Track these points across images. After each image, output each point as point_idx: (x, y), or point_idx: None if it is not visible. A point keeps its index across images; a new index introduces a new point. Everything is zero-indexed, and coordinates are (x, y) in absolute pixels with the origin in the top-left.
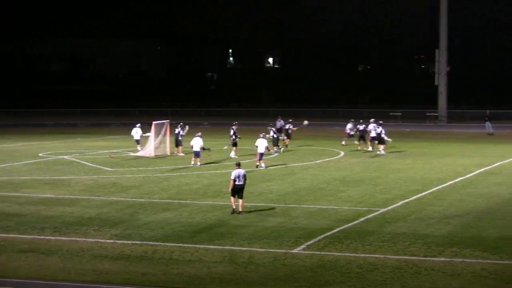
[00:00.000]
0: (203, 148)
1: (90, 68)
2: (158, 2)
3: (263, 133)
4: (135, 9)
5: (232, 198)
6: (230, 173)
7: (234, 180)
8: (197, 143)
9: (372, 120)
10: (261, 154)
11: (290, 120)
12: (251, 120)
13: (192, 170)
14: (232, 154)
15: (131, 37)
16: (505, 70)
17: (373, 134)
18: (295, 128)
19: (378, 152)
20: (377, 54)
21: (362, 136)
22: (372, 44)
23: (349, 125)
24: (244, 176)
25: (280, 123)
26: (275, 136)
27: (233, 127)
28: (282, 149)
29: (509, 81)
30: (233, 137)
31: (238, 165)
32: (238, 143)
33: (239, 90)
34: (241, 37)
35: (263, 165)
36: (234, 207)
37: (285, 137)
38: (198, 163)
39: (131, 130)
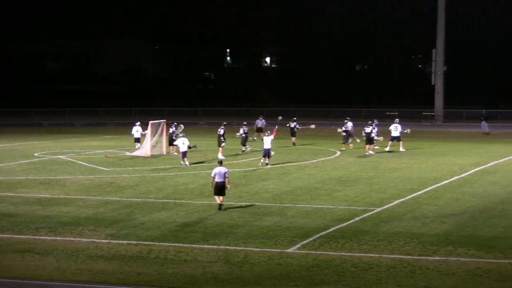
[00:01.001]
0: (189, 147)
1: (86, 67)
2: (155, 2)
3: (268, 132)
4: (132, 8)
5: (216, 197)
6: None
7: (214, 177)
8: (184, 143)
9: (396, 120)
10: (267, 151)
11: (295, 118)
12: (248, 120)
13: (188, 170)
14: (220, 155)
15: (128, 36)
16: (501, 70)
17: (394, 134)
18: (299, 127)
19: (367, 153)
20: (374, 54)
21: (348, 136)
22: (369, 44)
23: (399, 127)
24: (225, 174)
25: (261, 122)
26: (244, 135)
27: (222, 127)
28: (249, 148)
29: (505, 81)
30: (222, 138)
31: (220, 163)
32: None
33: (237, 90)
34: (239, 36)
35: (266, 162)
36: (219, 202)
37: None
38: (187, 163)
39: (131, 129)
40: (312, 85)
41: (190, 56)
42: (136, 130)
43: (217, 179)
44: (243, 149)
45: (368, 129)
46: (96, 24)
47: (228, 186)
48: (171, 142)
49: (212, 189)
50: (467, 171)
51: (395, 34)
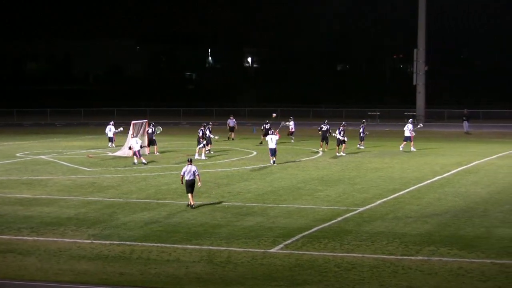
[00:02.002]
0: (141, 146)
1: (67, 68)
2: (137, 2)
3: (272, 130)
4: (113, 9)
5: (189, 195)
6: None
7: (183, 176)
8: (137, 142)
9: (410, 120)
10: (273, 150)
11: (291, 117)
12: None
13: (171, 170)
14: (202, 156)
15: (109, 36)
16: (482, 70)
17: (407, 133)
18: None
19: (337, 154)
20: (356, 54)
21: (325, 137)
22: (350, 44)
23: (410, 126)
24: (194, 172)
25: (232, 122)
26: (207, 136)
27: (208, 127)
28: (208, 148)
29: (486, 80)
30: (201, 139)
31: (190, 161)
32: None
33: (218, 90)
34: (220, 36)
35: (271, 161)
36: (191, 203)
37: (262, 136)
38: (144, 161)
39: (105, 128)
40: (293, 85)
41: (171, 56)
42: (110, 130)
43: (187, 177)
44: (208, 148)
45: (325, 127)
46: (77, 24)
47: (199, 183)
48: (150, 142)
49: (182, 187)
50: (449, 171)
51: (377, 34)
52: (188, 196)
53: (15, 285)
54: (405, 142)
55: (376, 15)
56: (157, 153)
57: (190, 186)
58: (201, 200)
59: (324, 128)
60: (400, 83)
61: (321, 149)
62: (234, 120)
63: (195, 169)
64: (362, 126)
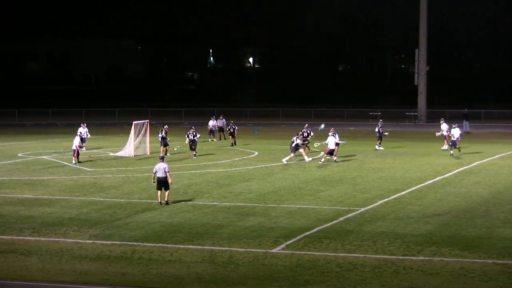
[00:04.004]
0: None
1: (67, 68)
2: (138, 2)
3: (333, 130)
4: (113, 8)
5: (159, 192)
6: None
7: (155, 173)
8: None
9: (443, 119)
10: (332, 151)
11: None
12: (230, 120)
13: (172, 170)
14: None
15: (110, 36)
16: (481, 73)
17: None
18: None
19: (322, 160)
20: (356, 54)
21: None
22: (351, 44)
23: (445, 126)
24: (164, 169)
25: (222, 122)
26: (193, 139)
27: (191, 130)
28: (194, 154)
29: (487, 80)
30: (190, 137)
31: (162, 159)
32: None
33: (219, 90)
34: (222, 37)
35: (322, 160)
36: (160, 200)
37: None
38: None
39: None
40: (294, 86)
41: (172, 56)
42: (80, 132)
43: (158, 175)
44: (194, 153)
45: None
46: (78, 24)
47: (169, 180)
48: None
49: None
50: (451, 171)
51: (379, 34)
52: (158, 193)
53: (17, 285)
54: (445, 141)
55: (376, 15)
56: (168, 154)
57: (161, 183)
58: (203, 200)
59: (305, 134)
60: (401, 83)
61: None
62: (224, 120)
63: (166, 166)
64: (379, 126)
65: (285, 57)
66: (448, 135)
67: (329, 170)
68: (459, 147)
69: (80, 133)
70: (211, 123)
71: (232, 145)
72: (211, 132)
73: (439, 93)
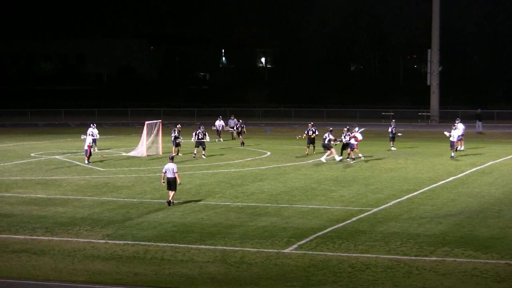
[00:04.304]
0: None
1: (80, 68)
2: (150, 2)
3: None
4: (126, 9)
5: (169, 192)
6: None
7: (164, 173)
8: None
9: (458, 120)
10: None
11: (331, 128)
12: (242, 120)
13: (184, 170)
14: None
15: (123, 37)
16: (497, 70)
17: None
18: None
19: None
20: (369, 54)
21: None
22: (364, 44)
23: (461, 126)
24: (173, 169)
25: (233, 121)
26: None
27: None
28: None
29: (500, 80)
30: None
31: (171, 159)
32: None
33: (231, 90)
34: (234, 37)
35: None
36: (170, 199)
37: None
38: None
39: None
40: (306, 86)
41: (185, 57)
42: (91, 132)
43: (168, 175)
44: (195, 152)
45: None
46: (90, 24)
47: (178, 181)
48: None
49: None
50: (463, 171)
51: (391, 34)
52: (168, 193)
53: (30, 285)
54: (459, 142)
55: (389, 15)
56: (180, 154)
57: (171, 183)
58: (216, 200)
59: (311, 132)
60: (413, 83)
61: (307, 152)
62: (235, 120)
63: (174, 166)
64: (391, 126)
65: (297, 57)
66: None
67: (341, 170)
68: (456, 148)
69: (92, 133)
70: (217, 123)
71: (242, 144)
72: (218, 132)
73: (452, 93)
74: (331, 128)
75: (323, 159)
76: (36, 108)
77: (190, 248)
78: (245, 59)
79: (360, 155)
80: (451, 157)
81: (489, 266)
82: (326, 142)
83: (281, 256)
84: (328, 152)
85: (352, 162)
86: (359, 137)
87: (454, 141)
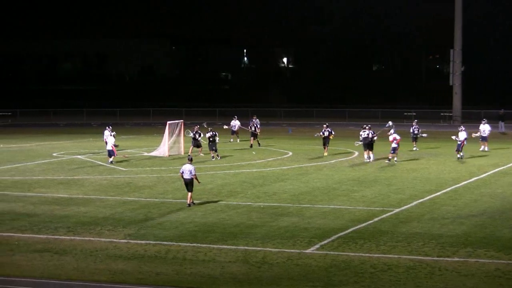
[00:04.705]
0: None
1: (101, 68)
2: (172, 2)
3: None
4: (148, 9)
5: (188, 193)
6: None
7: (182, 174)
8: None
9: (484, 120)
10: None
11: (325, 124)
12: (264, 120)
13: (206, 170)
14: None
15: (144, 37)
16: None
17: (482, 134)
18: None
19: (367, 160)
20: (391, 54)
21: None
22: (386, 44)
23: (487, 126)
24: (191, 171)
25: (256, 121)
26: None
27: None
28: (213, 156)
29: None
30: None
31: (190, 160)
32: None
33: (253, 90)
34: (256, 37)
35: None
36: (188, 202)
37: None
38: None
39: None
40: (328, 86)
41: (206, 57)
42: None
43: (185, 176)
44: (212, 154)
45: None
46: (112, 24)
47: (196, 182)
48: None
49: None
50: (486, 172)
51: (413, 34)
52: (187, 194)
53: (52, 284)
54: (486, 142)
55: (412, 15)
56: (201, 154)
57: (188, 184)
58: (237, 200)
59: (326, 133)
60: (435, 83)
61: (326, 153)
62: (258, 120)
63: (192, 168)
64: (413, 126)
65: (319, 57)
66: (482, 135)
67: (363, 171)
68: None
69: (111, 134)
70: (233, 123)
71: (251, 146)
72: (233, 132)
73: (475, 93)
74: (368, 126)
75: (370, 159)
76: (58, 108)
77: (211, 248)
78: (267, 59)
79: (394, 159)
80: (458, 158)
81: (511, 267)
82: (371, 140)
83: (303, 256)
84: (369, 152)
85: (390, 162)
86: (398, 137)
87: (460, 144)
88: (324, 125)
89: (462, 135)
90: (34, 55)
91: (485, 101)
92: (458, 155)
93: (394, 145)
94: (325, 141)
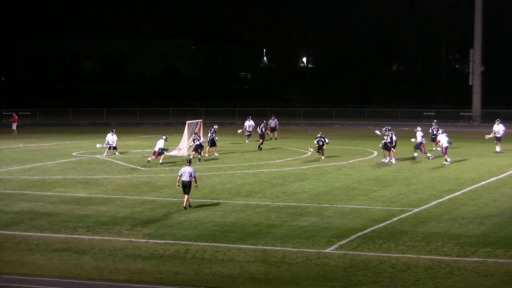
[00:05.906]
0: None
1: (122, 68)
2: (193, 2)
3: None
4: (169, 9)
5: (185, 196)
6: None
7: (180, 176)
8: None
9: (498, 120)
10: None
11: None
12: (283, 120)
13: (225, 170)
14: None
15: (165, 37)
16: None
17: (497, 134)
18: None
19: (386, 161)
20: (411, 54)
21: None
22: (405, 44)
23: (501, 127)
24: (190, 173)
25: (274, 122)
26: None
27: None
28: (216, 155)
29: None
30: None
31: (189, 162)
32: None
33: (272, 90)
34: (275, 36)
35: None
36: (185, 204)
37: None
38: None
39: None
40: (348, 86)
41: (226, 56)
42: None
43: (184, 178)
44: (215, 153)
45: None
46: (133, 24)
47: (196, 184)
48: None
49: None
50: (506, 172)
51: (433, 34)
52: (185, 197)
53: (71, 283)
54: (500, 143)
55: (431, 14)
56: (216, 154)
57: (186, 187)
58: (256, 200)
59: (321, 143)
60: (455, 83)
61: (323, 157)
62: (276, 120)
63: (191, 170)
64: (433, 126)
65: (338, 57)
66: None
67: (382, 170)
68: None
69: (111, 140)
70: (247, 123)
71: (260, 148)
72: (249, 134)
73: (495, 93)
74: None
75: (392, 160)
76: (78, 108)
77: (230, 248)
78: (287, 59)
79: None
80: (415, 157)
81: None
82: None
83: (322, 256)
84: (390, 153)
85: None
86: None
87: (419, 144)
88: (319, 134)
89: (419, 135)
90: (55, 55)
91: (504, 101)
92: (416, 154)
93: (445, 144)
94: (319, 149)
